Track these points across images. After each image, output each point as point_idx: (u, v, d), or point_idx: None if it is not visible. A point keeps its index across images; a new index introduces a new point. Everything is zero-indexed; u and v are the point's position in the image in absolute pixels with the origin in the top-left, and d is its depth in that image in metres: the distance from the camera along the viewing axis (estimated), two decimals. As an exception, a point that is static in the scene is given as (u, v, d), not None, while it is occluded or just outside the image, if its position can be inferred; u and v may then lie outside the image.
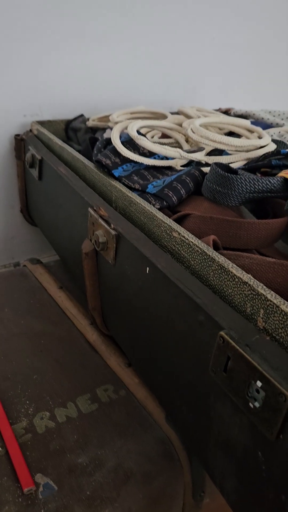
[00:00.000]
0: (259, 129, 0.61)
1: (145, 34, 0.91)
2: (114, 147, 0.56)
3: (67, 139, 0.87)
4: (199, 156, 0.55)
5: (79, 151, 0.79)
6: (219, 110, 0.95)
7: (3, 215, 0.91)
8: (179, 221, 0.48)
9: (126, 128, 0.59)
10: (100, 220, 0.50)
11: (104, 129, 0.80)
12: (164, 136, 0.66)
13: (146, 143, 0.54)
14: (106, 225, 0.49)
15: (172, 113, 0.91)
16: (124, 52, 0.91)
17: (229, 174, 0.45)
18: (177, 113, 0.85)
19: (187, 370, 0.39)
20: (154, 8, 0.90)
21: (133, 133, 0.55)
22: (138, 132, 0.58)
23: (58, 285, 0.70)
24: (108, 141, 0.61)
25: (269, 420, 0.29)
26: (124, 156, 0.55)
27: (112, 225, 0.48)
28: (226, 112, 0.87)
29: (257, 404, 0.30)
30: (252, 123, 0.73)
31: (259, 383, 0.30)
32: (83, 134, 0.84)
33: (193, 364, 0.38)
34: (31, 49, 0.79)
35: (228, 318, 0.33)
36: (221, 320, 0.33)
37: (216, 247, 0.42)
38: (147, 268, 0.42)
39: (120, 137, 0.59)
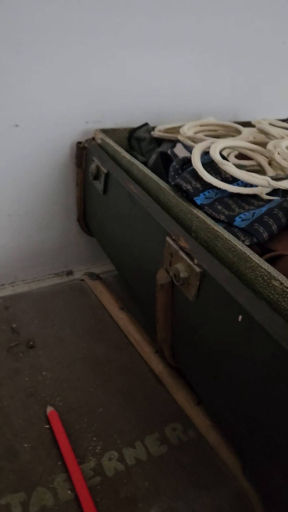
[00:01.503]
0: None
1: (210, 38, 0.87)
2: (194, 169, 0.52)
3: (130, 148, 0.84)
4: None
5: (144, 163, 0.76)
6: (288, 120, 0.90)
7: (59, 223, 0.89)
8: (270, 261, 0.44)
9: (206, 148, 0.55)
10: (181, 253, 0.46)
11: (170, 141, 0.76)
12: (243, 155, 0.61)
13: (232, 169, 0.50)
14: (188, 259, 0.45)
15: (239, 123, 0.86)
16: (188, 59, 0.86)
17: None
18: (246, 123, 0.81)
19: (284, 438, 0.36)
20: (222, 8, 0.85)
21: (217, 157, 0.51)
22: (221, 155, 0.54)
23: (119, 305, 0.68)
24: (185, 161, 0.57)
25: None
26: (206, 181, 0.51)
27: (195, 260, 0.45)
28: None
29: None
30: None
31: None
32: (147, 145, 0.80)
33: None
34: (96, 53, 0.76)
35: None
36: None
37: None
38: (240, 317, 0.39)
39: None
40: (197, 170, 0.51)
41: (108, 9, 0.73)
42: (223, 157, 0.54)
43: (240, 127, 0.71)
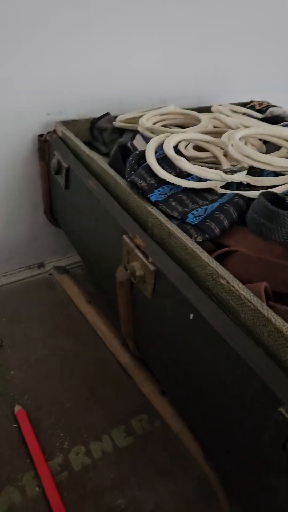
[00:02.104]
0: (303, 141, 0.56)
1: (173, 23, 0.85)
2: (149, 166, 0.52)
3: (92, 139, 0.83)
4: (241, 178, 0.51)
5: (107, 154, 0.76)
6: (252, 103, 0.90)
7: (27, 217, 0.88)
8: (222, 256, 0.45)
9: (161, 142, 0.55)
10: (137, 251, 0.47)
11: (132, 131, 0.76)
12: (199, 147, 0.61)
13: (185, 164, 0.50)
14: (143, 258, 0.46)
15: (202, 108, 0.86)
16: (150, 44, 0.85)
17: (278, 210, 0.42)
18: (209, 108, 0.80)
19: (236, 432, 0.37)
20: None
21: (170, 153, 0.51)
22: (175, 148, 0.54)
23: (86, 299, 0.69)
24: (141, 156, 0.57)
25: None
26: (161, 177, 0.51)
27: (150, 259, 0.46)
28: (260, 110, 0.82)
29: None
30: (291, 127, 0.68)
31: None
32: (110, 135, 0.79)
33: (245, 428, 0.36)
34: (54, 42, 0.74)
35: (287, 391, 0.31)
36: (281, 394, 0.31)
37: (266, 295, 0.39)
38: (191, 315, 0.40)
39: (156, 152, 0.56)
40: (151, 166, 0.52)
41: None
42: (178, 151, 0.54)
43: (199, 115, 0.70)
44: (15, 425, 0.50)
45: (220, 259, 0.45)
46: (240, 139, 0.57)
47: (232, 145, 0.53)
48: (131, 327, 0.55)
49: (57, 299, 0.70)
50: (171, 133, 0.60)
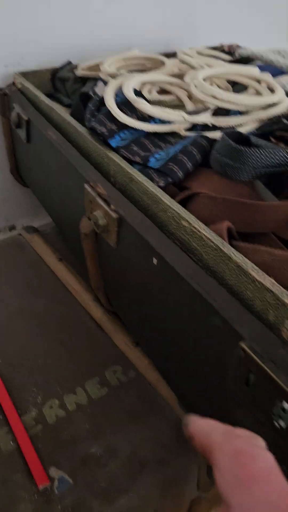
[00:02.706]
0: (269, 78, 0.54)
1: None
2: (109, 111, 0.50)
3: (54, 90, 0.79)
4: (205, 119, 0.49)
5: (69, 106, 0.72)
6: (221, 46, 0.86)
7: (-8, 177, 0.85)
8: (187, 199, 0.43)
9: (121, 85, 0.53)
10: (98, 199, 0.45)
11: (95, 79, 0.72)
12: (164, 90, 0.59)
13: (145, 106, 0.48)
14: (105, 206, 0.44)
15: (170, 54, 0.82)
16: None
17: (242, 148, 0.40)
18: (174, 54, 0.77)
19: (203, 373, 0.37)
20: None
21: (130, 95, 0.49)
22: (136, 91, 0.51)
23: (57, 257, 0.67)
24: (102, 102, 0.54)
25: (297, 443, 0.27)
26: (122, 122, 0.49)
27: (112, 206, 0.44)
28: (230, 52, 0.78)
29: (283, 424, 0.28)
30: (259, 67, 0.65)
31: (286, 405, 0.27)
32: (72, 85, 0.75)
33: (210, 368, 0.36)
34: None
35: (248, 326, 0.30)
36: (241, 329, 0.30)
37: (230, 235, 0.38)
38: (155, 260, 0.38)
39: (116, 97, 0.53)
40: (110, 110, 0.49)
41: None
42: (138, 93, 0.52)
43: (164, 59, 0.67)
44: (-13, 383, 0.50)
45: (184, 203, 0.43)
46: (205, 80, 0.54)
47: (195, 85, 0.51)
48: (101, 280, 0.54)
49: (27, 259, 0.68)
50: (132, 76, 0.57)
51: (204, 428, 0.24)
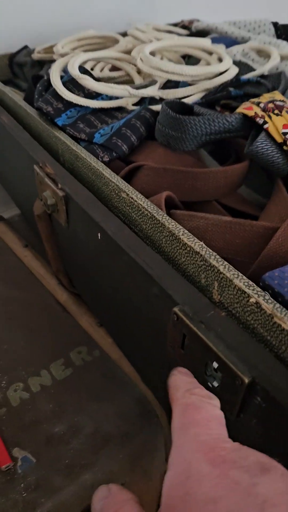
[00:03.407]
0: (219, 49, 0.54)
1: None
2: (55, 89, 0.49)
3: (13, 76, 0.78)
4: (151, 92, 0.48)
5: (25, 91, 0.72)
6: (182, 23, 0.85)
7: None
8: (132, 173, 0.43)
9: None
10: (46, 179, 0.45)
11: (51, 62, 0.71)
12: (115, 68, 0.58)
13: (89, 83, 0.47)
14: (53, 185, 0.44)
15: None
16: None
17: (180, 116, 0.40)
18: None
19: (149, 341, 0.37)
20: None
21: (74, 72, 0.48)
22: (83, 68, 0.51)
23: (23, 243, 0.67)
24: (50, 81, 0.53)
25: (228, 402, 0.27)
26: (68, 100, 0.48)
27: (59, 185, 0.44)
28: (188, 27, 0.77)
29: (215, 384, 0.28)
30: (214, 40, 0.64)
31: (215, 364, 0.27)
32: (30, 69, 0.74)
33: (154, 336, 0.36)
34: None
35: (182, 291, 0.30)
36: (175, 294, 0.30)
37: (171, 204, 0.38)
38: (99, 234, 0.38)
39: (63, 76, 0.52)
40: (55, 88, 0.48)
41: None
42: (86, 70, 0.51)
43: (118, 37, 0.66)
44: None
45: (130, 176, 0.43)
46: (155, 54, 0.54)
47: (141, 59, 0.50)
48: (60, 262, 0.54)
49: (-7, 247, 0.68)
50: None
51: (177, 382, 0.26)
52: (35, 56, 0.73)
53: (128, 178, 0.43)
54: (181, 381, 0.26)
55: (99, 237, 0.39)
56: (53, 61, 0.70)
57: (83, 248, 0.44)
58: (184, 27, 0.81)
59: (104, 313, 0.49)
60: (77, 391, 0.49)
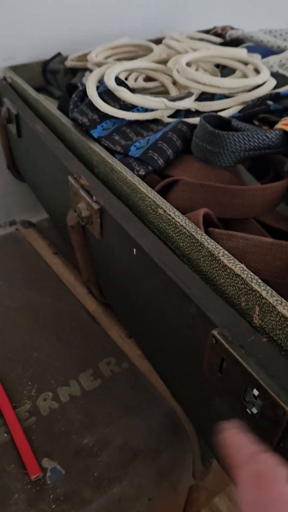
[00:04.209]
0: (255, 60, 0.53)
1: None
2: (91, 101, 0.49)
3: (47, 83, 0.78)
4: (187, 104, 0.48)
5: (59, 98, 0.72)
6: (214, 29, 0.84)
7: (-10, 174, 0.86)
8: (168, 187, 0.43)
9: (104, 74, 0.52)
10: (81, 191, 0.45)
11: (84, 70, 0.71)
12: (149, 78, 0.58)
13: (125, 95, 0.47)
14: (87, 197, 0.44)
15: (160, 40, 0.81)
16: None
17: (219, 132, 0.39)
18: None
19: (182, 358, 0.37)
20: None
21: (111, 84, 0.48)
22: (119, 79, 0.51)
23: (53, 250, 0.67)
24: (85, 92, 0.53)
25: (268, 430, 0.27)
26: (103, 112, 0.48)
27: (94, 198, 0.44)
28: (221, 35, 0.77)
29: (254, 411, 0.28)
30: (249, 49, 0.64)
31: (255, 391, 0.27)
32: (63, 77, 0.75)
33: (187, 353, 0.35)
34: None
35: (221, 313, 0.30)
36: (214, 316, 0.30)
37: (208, 221, 0.37)
38: (134, 250, 0.38)
39: (99, 86, 0.52)
40: (92, 100, 0.48)
41: None
42: (121, 81, 0.51)
43: (152, 45, 0.66)
44: (-17, 378, 0.51)
45: (165, 190, 0.43)
46: (190, 65, 0.53)
47: (177, 70, 0.50)
48: (92, 273, 0.54)
49: (23, 253, 0.68)
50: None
51: (236, 441, 0.24)
52: (68, 63, 0.73)
53: (163, 192, 0.42)
54: (241, 441, 0.24)
55: (134, 253, 0.38)
56: (86, 69, 0.71)
57: (116, 260, 0.44)
58: (217, 34, 0.81)
59: (134, 325, 0.49)
60: (106, 403, 0.49)
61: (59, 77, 0.75)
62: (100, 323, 0.57)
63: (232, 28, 0.82)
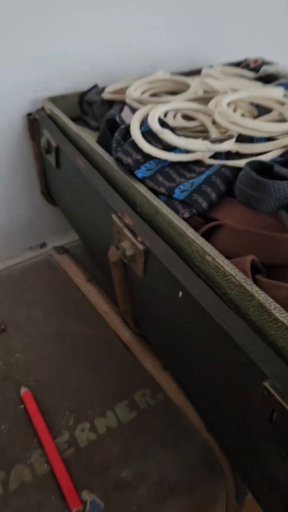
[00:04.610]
0: (294, 102, 0.54)
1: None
2: (134, 141, 0.51)
3: (83, 113, 0.81)
4: (229, 146, 0.49)
5: (97, 129, 0.75)
6: (246, 61, 0.86)
7: (24, 198, 0.88)
8: (212, 230, 0.44)
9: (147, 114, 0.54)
10: (126, 231, 0.47)
11: (120, 103, 0.74)
12: (188, 115, 0.60)
13: (169, 137, 0.49)
14: (132, 237, 0.46)
15: (195, 71, 0.83)
16: (134, 8, 0.81)
17: (264, 180, 0.41)
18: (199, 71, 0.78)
19: (228, 405, 0.38)
20: None
21: (155, 126, 0.50)
22: (161, 120, 0.53)
23: (87, 278, 0.69)
24: (128, 130, 0.55)
25: None
26: (146, 152, 0.50)
27: (139, 238, 0.45)
28: (254, 69, 0.79)
29: (307, 464, 0.28)
30: (284, 85, 0.65)
31: (309, 446, 0.28)
32: (99, 108, 0.78)
33: (235, 401, 0.36)
34: (37, 15, 0.72)
35: (272, 365, 0.31)
36: (265, 367, 0.31)
37: (254, 267, 0.38)
38: (180, 293, 0.40)
39: (141, 125, 0.54)
40: (135, 141, 0.50)
41: None
42: (163, 122, 0.53)
43: (188, 80, 0.68)
44: (22, 406, 0.52)
45: (209, 233, 0.44)
46: (228, 105, 0.55)
47: (219, 112, 0.52)
48: (129, 305, 0.56)
49: (58, 279, 0.70)
50: (157, 103, 0.58)
51: None
52: (105, 96, 0.76)
53: (207, 234, 0.44)
54: None
55: (180, 295, 0.40)
56: (122, 102, 0.73)
57: (158, 299, 0.46)
58: (248, 66, 0.83)
59: (172, 359, 0.50)
60: (142, 436, 0.50)
61: (95, 107, 0.77)
62: (134, 353, 0.59)
63: (263, 61, 0.84)
